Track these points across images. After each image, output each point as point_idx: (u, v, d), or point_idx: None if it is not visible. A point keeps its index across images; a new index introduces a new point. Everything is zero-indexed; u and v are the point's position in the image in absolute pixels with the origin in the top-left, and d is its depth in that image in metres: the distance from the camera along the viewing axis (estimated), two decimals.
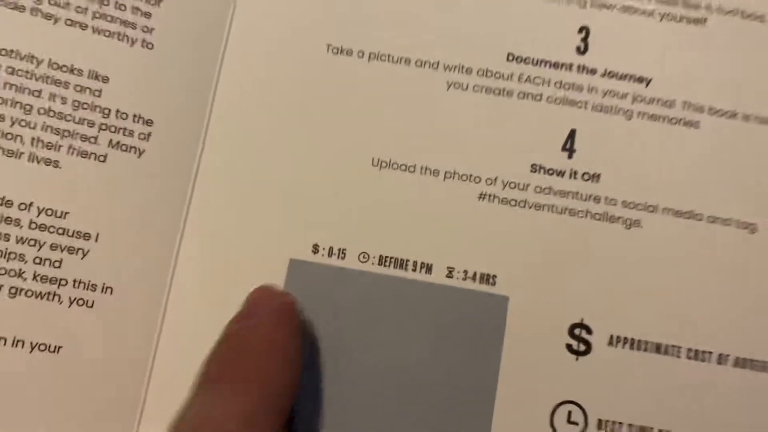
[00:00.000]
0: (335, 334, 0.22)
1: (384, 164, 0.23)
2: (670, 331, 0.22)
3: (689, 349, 0.22)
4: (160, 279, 0.22)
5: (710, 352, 0.22)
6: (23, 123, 0.22)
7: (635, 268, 0.22)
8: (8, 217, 0.22)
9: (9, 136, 0.22)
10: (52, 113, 0.23)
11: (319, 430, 0.21)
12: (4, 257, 0.21)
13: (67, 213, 0.22)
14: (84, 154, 0.22)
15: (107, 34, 0.23)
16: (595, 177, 0.23)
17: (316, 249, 0.22)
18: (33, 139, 0.22)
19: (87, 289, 0.22)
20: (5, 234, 0.22)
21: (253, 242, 0.22)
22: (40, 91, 0.23)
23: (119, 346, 0.21)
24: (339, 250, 0.22)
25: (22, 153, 0.22)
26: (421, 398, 0.21)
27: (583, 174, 0.23)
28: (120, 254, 0.22)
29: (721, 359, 0.22)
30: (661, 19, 0.24)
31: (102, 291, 0.22)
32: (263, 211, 0.23)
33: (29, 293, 0.21)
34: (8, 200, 0.22)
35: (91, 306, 0.22)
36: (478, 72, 0.23)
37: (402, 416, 0.21)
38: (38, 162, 0.22)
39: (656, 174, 0.23)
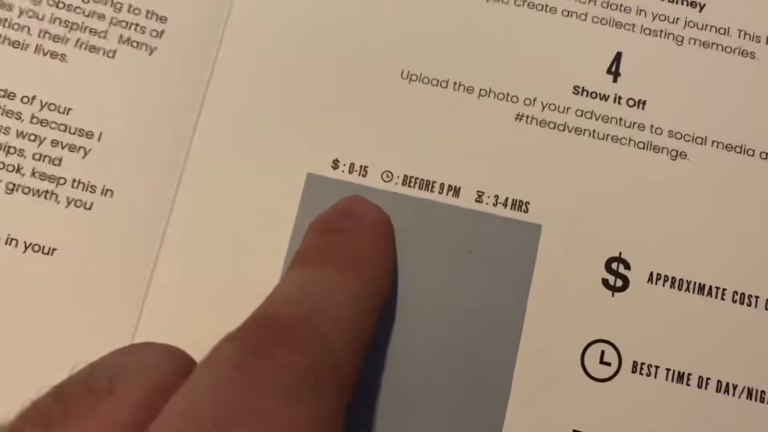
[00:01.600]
0: None
1: (414, 78, 0.21)
2: (715, 271, 0.20)
3: (735, 292, 0.20)
4: (166, 185, 0.20)
5: (757, 297, 0.20)
6: (31, 14, 0.21)
7: (680, 202, 0.21)
8: (10, 110, 0.20)
9: (16, 27, 0.21)
10: (61, 5, 0.21)
11: None
12: (4, 151, 0.20)
13: (70, 109, 0.20)
14: (92, 49, 0.21)
15: None
16: (640, 103, 0.21)
17: (336, 164, 0.21)
18: (40, 30, 0.21)
19: (86, 191, 0.20)
20: (5, 127, 0.20)
21: (269, 154, 0.21)
22: None
23: (117, 252, 0.20)
24: (361, 166, 0.21)
25: (28, 45, 0.21)
26: (443, 328, 0.20)
27: (628, 100, 0.21)
28: (123, 156, 0.20)
29: None
30: None
31: (102, 193, 0.20)
32: (281, 122, 0.21)
33: (26, 190, 0.20)
34: (11, 92, 0.20)
35: (90, 208, 0.20)
36: None
37: (421, 345, 0.20)
38: (44, 54, 0.21)
39: (706, 105, 0.21)
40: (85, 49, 0.21)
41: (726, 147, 0.21)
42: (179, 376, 0.14)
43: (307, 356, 0.14)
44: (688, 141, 0.21)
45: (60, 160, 0.20)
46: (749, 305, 0.20)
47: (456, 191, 0.21)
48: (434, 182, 0.21)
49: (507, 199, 0.21)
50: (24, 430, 0.13)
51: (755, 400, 0.19)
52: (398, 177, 0.21)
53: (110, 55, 0.21)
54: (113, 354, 0.15)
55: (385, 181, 0.21)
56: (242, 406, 0.13)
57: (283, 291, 0.16)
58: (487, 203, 0.21)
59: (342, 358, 0.15)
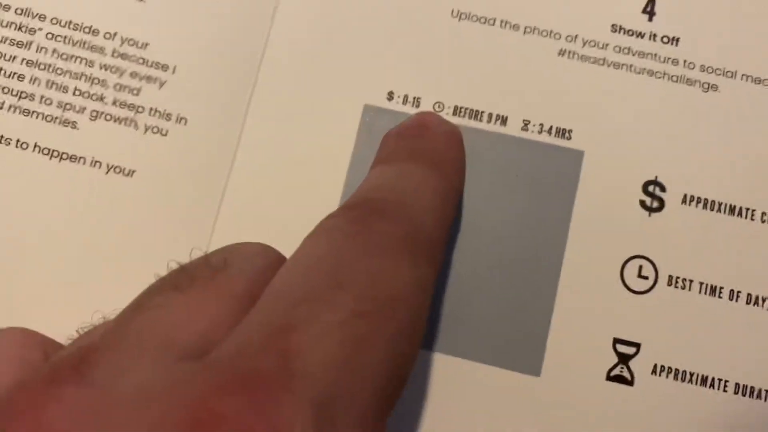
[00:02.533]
0: None
1: (464, 16, 0.23)
2: (746, 194, 0.22)
3: (764, 213, 0.22)
4: (235, 114, 0.22)
5: None
6: None
7: (711, 131, 0.22)
8: (94, 45, 0.22)
9: None
10: None
11: None
12: (89, 81, 0.22)
13: (147, 44, 0.22)
14: None
15: None
16: (674, 40, 0.23)
17: (390, 96, 0.22)
18: None
19: (162, 118, 0.22)
20: (90, 60, 0.22)
21: (328, 85, 0.22)
22: None
23: (192, 174, 0.22)
24: (414, 98, 0.22)
25: None
26: (494, 246, 0.21)
27: (663, 37, 0.23)
28: (196, 87, 0.22)
29: None
30: None
31: (176, 121, 0.22)
32: (339, 55, 0.23)
33: (108, 117, 0.22)
34: (95, 29, 0.22)
35: (165, 134, 0.22)
36: None
37: (474, 261, 0.21)
38: None
39: (736, 41, 0.23)
40: None
41: (755, 80, 0.22)
42: (280, 262, 0.16)
43: (403, 227, 0.16)
44: (719, 75, 0.22)
45: (138, 91, 0.22)
46: None
47: (503, 120, 0.22)
48: (483, 112, 0.22)
49: (551, 127, 0.22)
50: (159, 289, 0.15)
51: None
52: (449, 107, 0.22)
53: None
54: (223, 247, 0.17)
55: (437, 111, 0.22)
56: (353, 263, 0.15)
57: (373, 182, 0.18)
58: (532, 131, 0.22)
59: (432, 234, 0.16)
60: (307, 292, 0.14)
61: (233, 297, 0.15)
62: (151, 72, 0.22)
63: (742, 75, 0.22)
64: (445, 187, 0.18)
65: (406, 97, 0.22)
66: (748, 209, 0.22)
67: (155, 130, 0.22)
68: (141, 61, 0.22)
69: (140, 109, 0.22)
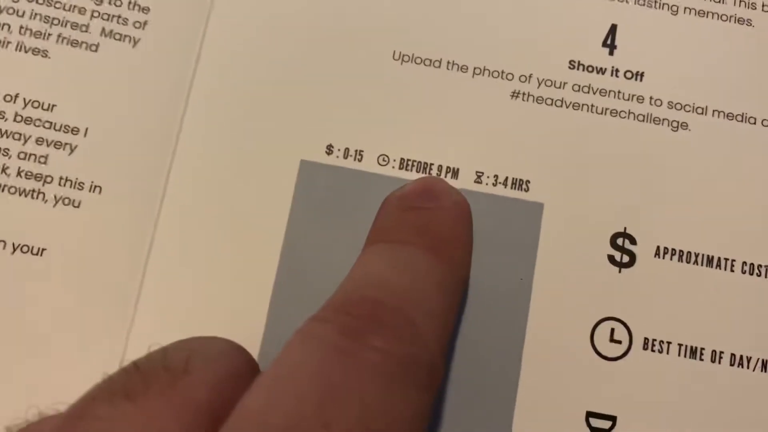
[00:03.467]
0: (350, 241, 0.20)
1: (406, 58, 0.21)
2: (722, 242, 0.20)
3: (744, 263, 0.20)
4: (156, 179, 0.20)
5: (767, 266, 0.20)
6: (11, 11, 0.20)
7: (683, 174, 0.20)
8: None
9: None
10: (41, 0, 0.20)
11: None
12: None
13: (54, 105, 0.20)
14: (74, 43, 0.20)
15: None
16: (638, 75, 0.21)
17: (330, 150, 0.20)
18: (21, 27, 0.20)
19: (74, 188, 0.19)
20: None
21: (261, 141, 0.20)
22: None
23: (108, 248, 0.19)
24: (356, 151, 0.20)
25: (9, 42, 0.20)
26: None
27: (626, 72, 0.21)
28: (111, 151, 0.20)
29: None
30: None
31: (90, 190, 0.19)
32: (272, 108, 0.20)
33: (13, 190, 0.19)
34: None
35: (78, 206, 0.19)
36: None
37: None
38: (26, 51, 0.20)
39: (705, 74, 0.21)
40: (67, 44, 0.20)
41: (727, 116, 0.20)
42: (249, 368, 0.14)
43: (403, 346, 0.14)
44: (689, 111, 0.20)
45: (46, 158, 0.19)
46: (759, 275, 0.20)
47: (455, 173, 0.20)
48: (432, 164, 0.20)
49: (507, 178, 0.20)
50: (107, 396, 0.12)
51: None
52: (395, 160, 0.20)
53: (93, 48, 0.20)
54: (184, 340, 0.15)
55: (381, 165, 0.20)
56: (345, 392, 0.13)
57: (372, 269, 0.16)
58: (486, 183, 0.20)
59: (434, 352, 0.14)
60: (289, 426, 0.12)
61: (192, 411, 0.12)
62: (60, 136, 0.20)
63: (714, 111, 0.21)
64: (453, 281, 0.17)
65: (347, 150, 0.20)
66: (727, 260, 0.20)
67: (66, 201, 0.19)
68: (47, 124, 0.20)
69: (48, 179, 0.19)
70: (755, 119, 0.20)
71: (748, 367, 0.19)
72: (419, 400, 0.14)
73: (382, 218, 0.18)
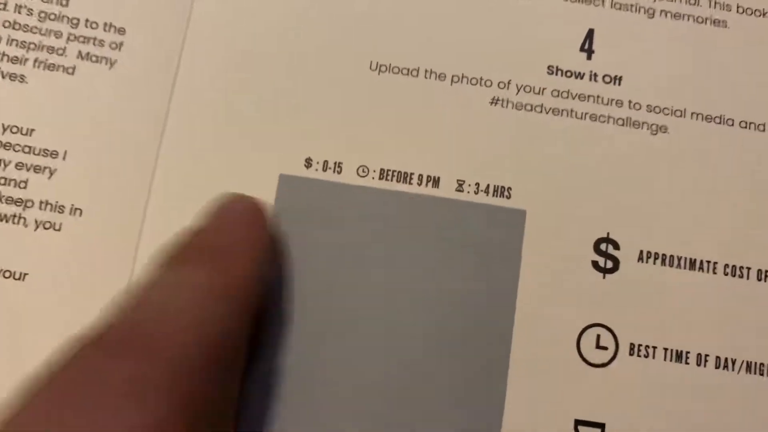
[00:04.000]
0: (332, 254, 0.19)
1: (383, 68, 0.21)
2: (705, 245, 0.20)
3: (726, 265, 0.20)
4: (136, 200, 0.20)
5: (749, 268, 0.20)
6: None
7: (665, 177, 0.20)
8: None
9: None
10: (17, 26, 0.20)
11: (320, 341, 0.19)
12: None
13: (33, 130, 0.20)
14: (51, 67, 0.20)
15: None
16: (616, 80, 0.21)
17: (309, 163, 0.20)
18: None
19: (54, 211, 0.19)
20: None
21: (239, 157, 0.20)
22: (5, 4, 0.20)
23: (91, 271, 0.19)
24: (335, 163, 0.20)
25: None
26: (431, 324, 0.19)
27: (604, 76, 0.21)
28: (90, 174, 0.20)
29: (760, 275, 0.20)
30: None
31: (71, 213, 0.19)
32: (249, 124, 0.20)
33: None
34: None
35: (59, 229, 0.19)
36: None
37: (411, 342, 0.19)
38: (3, 77, 0.20)
39: (682, 77, 0.21)
40: (43, 69, 0.20)
41: (706, 118, 0.20)
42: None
43: (128, 361, 0.14)
44: (668, 114, 0.20)
45: (26, 183, 0.19)
46: (741, 277, 0.19)
47: (435, 182, 0.20)
48: (412, 174, 0.20)
49: (488, 186, 0.20)
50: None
51: (755, 373, 0.19)
52: (374, 171, 0.20)
53: (70, 71, 0.20)
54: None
55: (360, 176, 0.20)
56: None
57: (132, 295, 0.16)
58: (468, 192, 0.20)
59: (175, 358, 0.14)
60: None
61: None
62: (39, 160, 0.20)
63: (692, 113, 0.20)
64: (227, 285, 0.16)
65: (326, 162, 0.20)
66: (709, 262, 0.20)
67: (47, 225, 0.19)
68: (27, 149, 0.20)
69: (29, 203, 0.19)
70: (733, 121, 0.20)
71: (733, 369, 0.19)
72: (150, 413, 0.14)
73: (176, 241, 0.18)
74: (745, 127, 0.20)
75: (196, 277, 0.16)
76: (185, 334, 0.15)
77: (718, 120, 0.20)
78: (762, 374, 0.19)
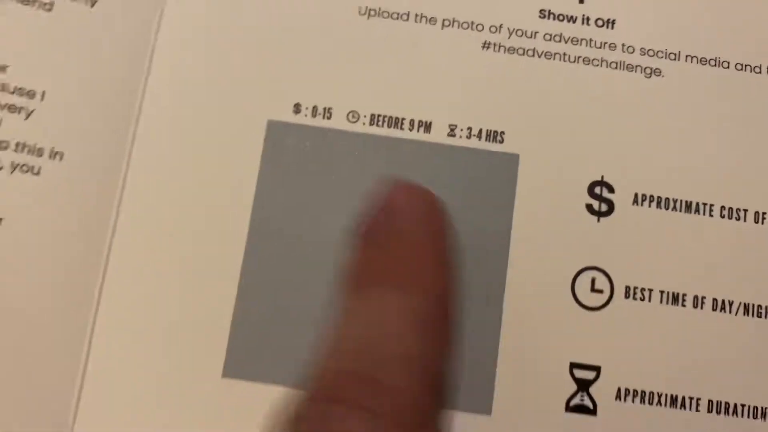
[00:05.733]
0: (322, 202, 0.19)
1: (373, 12, 0.20)
2: (700, 187, 0.19)
3: (723, 207, 0.19)
4: (119, 143, 0.19)
5: (745, 210, 0.19)
6: None
7: (659, 120, 0.20)
8: None
9: None
10: None
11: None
12: None
13: (6, 66, 0.19)
14: (26, 1, 0.19)
15: None
16: (609, 23, 0.20)
17: (297, 109, 0.20)
18: None
19: (32, 154, 0.19)
20: None
21: (226, 101, 0.19)
22: None
23: (72, 217, 0.18)
24: (324, 109, 0.20)
25: None
26: None
27: (597, 20, 0.20)
28: (71, 115, 0.19)
29: (757, 218, 0.19)
30: None
31: (50, 156, 0.19)
32: (236, 69, 0.20)
33: None
34: None
35: (38, 173, 0.19)
36: None
37: None
38: None
39: (676, 20, 0.20)
40: (19, 3, 0.19)
41: (701, 61, 0.20)
42: None
43: (378, 418, 0.13)
44: (662, 57, 0.20)
45: None
46: (738, 219, 0.19)
47: (427, 126, 0.20)
48: (403, 119, 0.20)
49: (481, 130, 0.20)
50: None
51: (752, 315, 0.19)
52: (365, 117, 0.20)
53: (47, 7, 0.19)
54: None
55: (351, 122, 0.20)
56: None
57: (344, 333, 0.15)
58: (460, 137, 0.20)
59: (417, 396, 0.14)
60: None
61: None
62: (14, 99, 0.19)
63: (686, 56, 0.20)
64: (431, 310, 0.15)
65: (315, 108, 0.20)
66: (705, 204, 0.19)
67: (24, 168, 0.19)
68: (0, 87, 0.19)
69: (3, 145, 0.19)
70: (728, 63, 0.20)
71: (730, 312, 0.19)
72: None
73: (351, 254, 0.17)
74: (741, 70, 0.20)
75: (395, 303, 0.15)
76: (409, 376, 0.14)
77: (713, 62, 0.20)
78: (760, 316, 0.19)
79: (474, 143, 0.20)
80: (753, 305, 0.19)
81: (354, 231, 0.16)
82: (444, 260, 0.16)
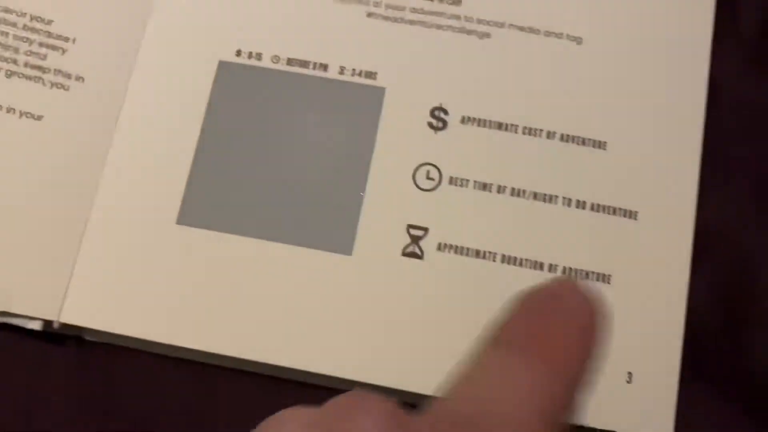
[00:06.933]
0: (255, 120, 0.28)
1: None
2: (510, 114, 0.28)
3: (525, 127, 0.28)
4: (123, 72, 0.29)
5: (541, 130, 0.28)
6: None
7: (485, 68, 0.29)
8: (8, 21, 0.29)
9: None
10: None
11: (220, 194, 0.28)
12: (3, 47, 0.29)
13: (52, 21, 0.29)
14: None
15: None
16: (457, 1, 0.29)
17: (239, 53, 0.29)
18: None
19: (64, 77, 0.29)
20: (4, 32, 0.29)
21: (207, 38, 0.29)
22: None
23: (87, 121, 0.28)
24: (255, 53, 0.29)
25: None
26: (316, 160, 0.28)
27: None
28: (92, 53, 0.29)
29: (549, 135, 0.28)
30: None
31: (76, 79, 0.29)
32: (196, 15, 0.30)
33: (21, 75, 0.28)
34: (9, 8, 0.29)
35: (68, 89, 0.29)
36: None
37: (297, 173, 0.28)
38: None
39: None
40: None
41: (520, 28, 0.29)
42: None
43: None
44: (492, 25, 0.29)
45: (45, 56, 0.29)
46: (534, 135, 0.28)
47: (325, 67, 0.29)
48: (309, 62, 0.29)
49: (362, 71, 0.29)
50: None
51: (575, 206, 0.27)
52: (284, 59, 0.29)
53: None
54: None
55: (273, 63, 0.29)
56: None
57: (469, 378, 0.16)
58: (346, 75, 0.29)
59: None
60: None
61: None
62: (55, 42, 0.29)
63: (510, 24, 0.29)
64: (564, 389, 0.15)
65: (250, 53, 0.29)
66: (510, 125, 0.28)
67: (59, 86, 0.29)
68: (47, 34, 0.29)
69: (46, 71, 0.29)
70: (539, 30, 0.29)
71: (523, 197, 0.27)
72: None
73: (506, 315, 0.17)
74: (549, 36, 0.29)
75: (538, 375, 0.15)
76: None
77: (528, 29, 0.29)
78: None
79: (356, 79, 0.29)
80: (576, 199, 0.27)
81: (518, 295, 0.17)
82: (589, 357, 0.16)
